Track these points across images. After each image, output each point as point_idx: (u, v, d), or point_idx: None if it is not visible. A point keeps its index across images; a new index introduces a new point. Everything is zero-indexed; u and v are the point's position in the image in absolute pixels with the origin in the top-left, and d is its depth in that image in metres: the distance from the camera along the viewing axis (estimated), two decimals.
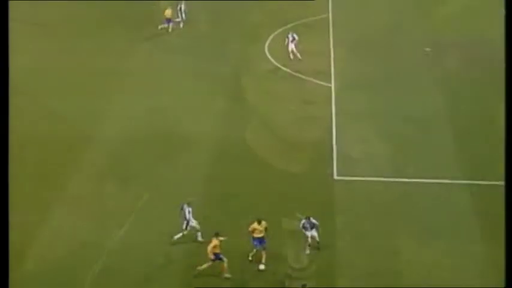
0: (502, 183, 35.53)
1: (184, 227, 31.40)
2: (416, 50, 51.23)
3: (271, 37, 53.19)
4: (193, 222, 31.48)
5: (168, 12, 52.93)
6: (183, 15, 54.19)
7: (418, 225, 33.12)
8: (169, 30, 53.14)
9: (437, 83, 46.89)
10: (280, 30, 53.95)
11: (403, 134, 40.87)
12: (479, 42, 52.48)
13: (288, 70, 48.22)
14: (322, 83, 46.64)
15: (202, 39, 52.72)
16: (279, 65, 49.04)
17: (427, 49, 51.46)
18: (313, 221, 30.96)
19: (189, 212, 31.39)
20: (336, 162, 37.87)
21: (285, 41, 49.19)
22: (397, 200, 34.93)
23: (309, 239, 30.80)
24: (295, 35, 48.97)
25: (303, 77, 47.33)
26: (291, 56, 48.75)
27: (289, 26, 54.36)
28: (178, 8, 54.20)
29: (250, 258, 30.35)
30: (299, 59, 48.61)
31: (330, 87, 46.01)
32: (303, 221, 30.98)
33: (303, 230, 30.89)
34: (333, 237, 31.87)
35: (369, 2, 60.10)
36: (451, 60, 49.98)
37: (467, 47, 51.78)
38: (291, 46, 48.72)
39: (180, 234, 31.43)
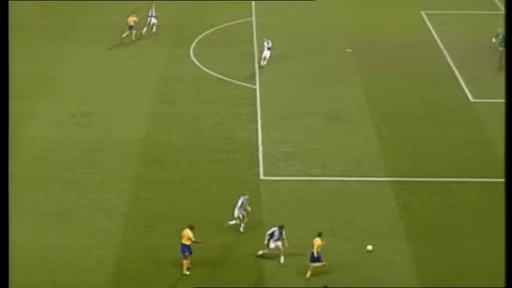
0: (425, 179, 36.77)
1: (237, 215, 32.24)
2: (339, 51, 51.83)
3: (196, 41, 53.25)
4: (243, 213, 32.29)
5: (131, 20, 52.48)
6: (154, 20, 53.50)
7: (343, 223, 33.47)
8: (133, 37, 52.62)
9: (359, 82, 47.56)
10: (203, 34, 54.05)
11: (327, 132, 41.29)
12: (398, 42, 53.40)
13: (214, 73, 48.34)
14: (247, 85, 46.87)
15: (130, 43, 52.42)
16: (204, 68, 49.13)
17: (349, 50, 52.13)
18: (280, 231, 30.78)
19: (242, 203, 32.21)
20: (262, 162, 38.14)
21: (211, 46, 49.23)
22: (322, 198, 35.26)
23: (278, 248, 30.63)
24: (270, 42, 48.91)
25: (229, 79, 47.49)
26: (262, 63, 48.70)
27: (212, 29, 54.60)
28: (150, 13, 53.58)
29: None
30: (265, 65, 48.61)
31: (255, 89, 46.29)
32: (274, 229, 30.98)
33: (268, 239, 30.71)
34: (254, 237, 32.13)
35: (292, 4, 60.48)
36: (372, 60, 50.77)
37: (386, 47, 52.66)
38: (266, 53, 48.73)
39: (233, 221, 32.20)
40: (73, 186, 35.63)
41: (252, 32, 55.08)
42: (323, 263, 29.96)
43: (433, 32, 55.53)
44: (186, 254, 29.78)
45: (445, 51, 52.16)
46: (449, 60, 50.71)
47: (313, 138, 40.56)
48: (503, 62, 48.41)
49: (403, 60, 50.83)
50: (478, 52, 52.02)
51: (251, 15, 58.07)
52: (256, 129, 41.39)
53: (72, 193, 34.99)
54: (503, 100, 45.63)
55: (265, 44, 49.01)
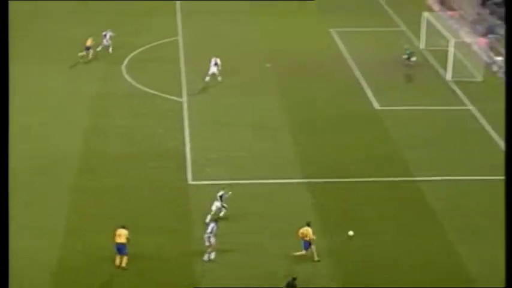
0: (338, 180, 37.18)
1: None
2: (259, 65, 52.10)
3: (127, 59, 52.86)
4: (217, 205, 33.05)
5: (89, 41, 52.00)
6: (109, 41, 52.97)
7: (267, 221, 33.66)
8: (89, 57, 51.87)
9: (277, 94, 47.86)
10: (134, 53, 53.73)
11: (249, 140, 41.45)
12: (311, 57, 53.91)
13: (145, 88, 48.05)
14: (175, 98, 46.75)
15: (69, 62, 51.78)
16: (136, 84, 48.82)
17: (268, 65, 52.45)
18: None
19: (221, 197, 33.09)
20: (190, 168, 38.08)
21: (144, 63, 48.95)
22: (247, 199, 35.33)
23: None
24: (218, 60, 48.70)
25: (158, 93, 47.26)
26: (207, 79, 48.38)
27: (142, 48, 54.31)
28: (104, 34, 53.10)
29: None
30: (219, 81, 48.50)
31: (183, 102, 46.21)
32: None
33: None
34: (185, 238, 32.08)
35: (216, 22, 60.66)
36: (288, 74, 51.16)
37: (301, 62, 53.11)
38: (213, 69, 48.43)
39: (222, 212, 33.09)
40: (15, 193, 34.95)
41: (178, 50, 55.01)
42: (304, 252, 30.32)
43: (341, 47, 56.22)
44: (124, 252, 29.55)
45: (352, 65, 52.84)
46: (357, 73, 51.40)
47: (237, 145, 40.69)
48: (411, 73, 49.84)
49: (315, 74, 51.32)
50: (382, 65, 52.86)
51: (177, 35, 58.00)
52: (184, 139, 41.33)
53: (14, 200, 34.26)
54: (405, 107, 46.91)
55: (213, 61, 48.85)
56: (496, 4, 64.50)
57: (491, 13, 63.95)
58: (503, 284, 22.84)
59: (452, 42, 51.23)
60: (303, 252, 30.68)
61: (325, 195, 35.92)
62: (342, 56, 54.64)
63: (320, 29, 60.08)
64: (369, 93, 48.05)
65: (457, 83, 49.67)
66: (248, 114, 44.69)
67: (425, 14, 56.03)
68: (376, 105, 46.28)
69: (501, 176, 36.42)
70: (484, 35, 59.17)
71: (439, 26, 53.87)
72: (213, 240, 30.41)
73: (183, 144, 40.73)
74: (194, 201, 35.00)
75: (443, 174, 37.82)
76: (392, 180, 37.37)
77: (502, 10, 62.58)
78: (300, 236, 30.77)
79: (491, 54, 54.15)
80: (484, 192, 36.38)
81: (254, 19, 61.94)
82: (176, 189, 36.03)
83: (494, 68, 52.71)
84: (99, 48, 52.73)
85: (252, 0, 66.15)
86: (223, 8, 64.00)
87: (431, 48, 54.09)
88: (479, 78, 50.65)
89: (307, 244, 30.64)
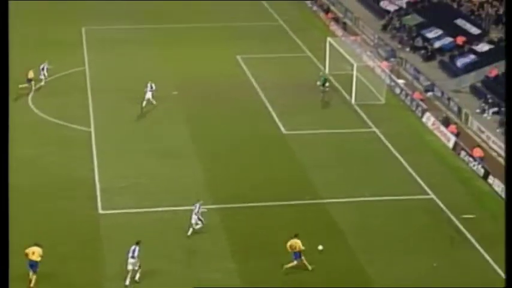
0: (247, 204, 37.46)
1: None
2: (166, 94, 52.13)
3: (33, 90, 52.12)
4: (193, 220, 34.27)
5: (30, 73, 51.60)
6: (45, 74, 52.75)
7: (176, 248, 33.63)
8: (32, 88, 51.46)
9: (185, 121, 47.98)
10: (39, 84, 53.02)
11: (158, 167, 41.37)
12: (218, 83, 54.29)
13: (51, 118, 47.50)
14: (82, 128, 46.34)
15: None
16: (42, 114, 48.24)
17: (175, 92, 52.57)
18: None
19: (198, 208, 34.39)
20: (99, 197, 37.77)
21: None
22: (156, 226, 35.26)
23: None
24: (153, 85, 49.04)
25: (66, 123, 46.75)
26: (144, 104, 48.61)
27: (48, 79, 53.61)
28: (41, 67, 52.66)
29: None
30: (154, 105, 48.92)
31: (90, 131, 45.86)
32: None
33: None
34: (96, 265, 31.86)
35: (123, 51, 60.55)
36: (195, 101, 51.33)
37: (208, 88, 53.41)
38: (148, 94, 48.77)
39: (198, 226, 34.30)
40: None
41: (85, 80, 54.60)
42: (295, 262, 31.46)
43: (247, 73, 56.85)
44: (35, 269, 29.74)
45: (259, 91, 53.47)
46: (264, 98, 52.00)
47: (146, 173, 40.53)
48: (326, 99, 50.62)
49: (223, 100, 51.69)
50: (288, 90, 53.67)
51: (84, 65, 57.59)
52: (93, 168, 40.98)
53: None
54: (311, 131, 47.58)
55: (148, 86, 49.06)
56: (396, 29, 66.51)
57: (392, 37, 65.89)
58: None
59: (355, 66, 52.49)
60: (294, 263, 31.52)
61: (235, 220, 36.08)
62: (249, 82, 55.22)
63: (227, 56, 60.63)
64: (276, 118, 48.66)
65: (361, 106, 50.81)
66: (156, 142, 44.64)
67: (329, 40, 57.25)
68: (283, 130, 46.89)
69: (407, 195, 37.52)
70: (386, 59, 60.85)
71: (342, 51, 55.12)
72: (134, 266, 30.38)
73: (93, 173, 40.36)
74: (104, 230, 34.71)
75: (350, 196, 38.51)
76: (300, 203, 37.83)
77: (401, 35, 64.57)
78: (289, 249, 31.55)
79: (393, 77, 55.67)
80: (389, 212, 37.21)
81: (161, 48, 62.07)
82: (86, 219, 35.67)
83: (397, 90, 54.16)
84: (42, 83, 52.57)
85: (159, 27, 66.35)
86: (130, 37, 63.96)
87: (336, 72, 55.26)
88: (382, 101, 51.97)
89: (298, 255, 31.52)
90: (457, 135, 46.43)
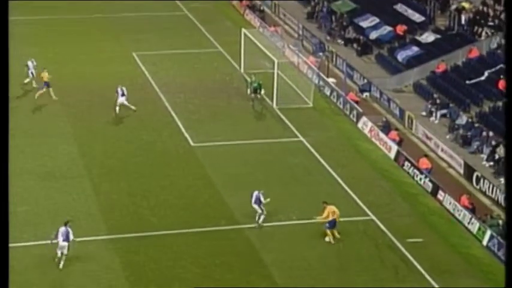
0: (149, 233, 37.19)
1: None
2: (45, 100, 51.51)
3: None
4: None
5: (44, 75, 51.84)
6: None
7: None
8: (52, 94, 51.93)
9: (71, 135, 47.52)
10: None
11: (38, 191, 40.83)
12: (110, 86, 53.72)
13: None
14: None
15: None
16: None
17: (55, 98, 51.87)
18: None
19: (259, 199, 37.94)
20: None
21: None
22: (40, 263, 34.78)
23: None
24: (124, 89, 49.75)
25: None
26: (117, 110, 49.34)
27: None
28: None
29: None
30: (134, 110, 49.75)
31: None
32: None
33: None
34: None
35: None
36: (83, 110, 50.96)
37: (98, 94, 52.99)
38: (121, 99, 49.51)
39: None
40: None
41: None
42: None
43: (146, 73, 56.64)
44: None
45: (161, 94, 53.33)
46: (167, 104, 51.87)
47: (23, 199, 39.78)
48: (257, 108, 50.61)
49: (123, 109, 51.24)
50: (195, 93, 53.68)
51: None
52: None
53: None
54: (224, 142, 47.65)
55: (119, 91, 49.69)
56: (324, 18, 67.23)
57: (319, 27, 66.59)
58: None
59: (276, 63, 52.82)
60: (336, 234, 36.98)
61: (136, 252, 35.76)
62: (148, 84, 55.18)
63: (121, 53, 60.44)
64: (182, 127, 48.57)
65: (284, 110, 51.16)
66: (37, 161, 43.97)
67: (244, 31, 57.51)
68: (191, 141, 46.83)
69: (341, 217, 37.79)
70: (313, 53, 61.41)
71: (260, 45, 55.44)
72: None
73: None
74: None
75: (273, 219, 38.59)
76: (214, 230, 37.77)
77: (330, 24, 65.36)
78: (331, 216, 36.71)
79: (322, 75, 56.17)
80: (320, 238, 37.39)
81: (39, 44, 61.36)
82: None
83: (326, 91, 54.70)
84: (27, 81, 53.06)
85: (36, 19, 65.52)
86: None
87: (253, 71, 55.54)
88: (310, 104, 52.43)
89: (334, 223, 36.80)
90: (399, 143, 47.09)
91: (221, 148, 46.35)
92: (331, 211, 36.89)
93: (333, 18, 66.31)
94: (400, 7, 63.46)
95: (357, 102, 52.63)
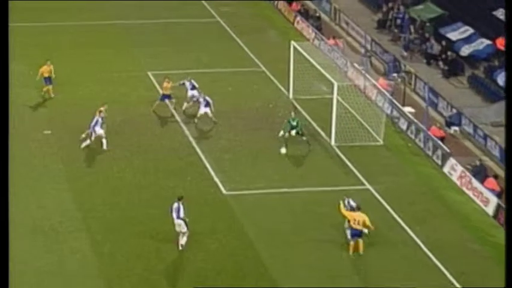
0: None
1: None
2: (35, 133, 52.23)
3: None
4: None
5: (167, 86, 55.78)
6: None
7: None
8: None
9: (63, 177, 47.87)
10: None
11: (30, 249, 41.22)
12: (127, 112, 54.29)
13: None
14: None
15: None
16: None
17: (47, 131, 52.52)
18: None
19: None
20: None
21: None
22: None
23: None
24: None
25: None
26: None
27: None
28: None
29: None
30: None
31: None
32: None
33: None
34: None
35: None
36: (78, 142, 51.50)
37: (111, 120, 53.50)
38: (203, 110, 53.70)
39: None
40: None
41: None
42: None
43: (165, 100, 57.00)
44: None
45: (183, 126, 53.86)
46: (191, 139, 52.22)
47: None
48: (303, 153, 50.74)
49: (126, 142, 51.67)
50: (228, 126, 53.96)
51: None
52: None
53: None
54: (264, 191, 47.62)
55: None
56: (400, 27, 67.34)
57: (394, 40, 66.70)
58: None
59: (336, 86, 52.86)
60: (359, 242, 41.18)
61: None
62: (167, 113, 55.68)
63: (134, 72, 61.31)
64: (211, 171, 48.88)
65: (345, 149, 51.33)
66: (25, 211, 44.48)
67: (294, 45, 57.72)
68: (224, 189, 46.94)
69: None
70: (384, 74, 61.45)
71: (314, 62, 55.55)
72: None
73: None
74: None
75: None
76: None
77: (408, 36, 65.39)
78: (362, 225, 40.93)
79: (396, 102, 56.10)
80: None
81: (27, 57, 62.10)
82: None
83: (402, 124, 54.66)
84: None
85: (26, 26, 66.36)
86: None
87: (305, 97, 55.67)
88: (380, 141, 52.54)
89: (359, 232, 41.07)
90: (499, 194, 46.80)
91: (262, 198, 46.43)
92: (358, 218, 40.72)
93: (412, 27, 66.43)
94: (501, 13, 62.81)
95: (442, 139, 52.57)
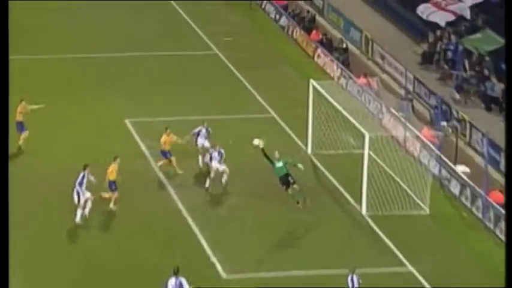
0: None
1: None
2: None
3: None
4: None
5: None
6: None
7: None
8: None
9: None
10: None
11: None
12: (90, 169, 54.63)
13: None
14: None
15: None
16: None
17: None
18: None
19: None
20: None
21: None
22: None
23: None
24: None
25: None
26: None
27: None
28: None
29: None
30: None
31: None
32: None
33: None
34: None
35: None
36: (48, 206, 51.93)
37: (69, 182, 53.69)
38: (216, 165, 54.50)
39: None
40: None
41: None
42: None
43: (147, 154, 57.33)
44: None
45: (171, 191, 54.27)
46: (181, 206, 52.32)
47: None
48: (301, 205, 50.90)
49: (99, 210, 51.79)
50: (231, 190, 54.08)
51: None
52: None
53: None
54: (272, 273, 47.92)
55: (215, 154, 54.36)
56: (451, 62, 67.39)
57: (443, 79, 66.82)
58: None
59: (367, 138, 52.93)
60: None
61: None
62: (150, 174, 56.02)
63: (109, 120, 61.74)
64: (209, 250, 48.90)
65: (380, 219, 51.37)
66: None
67: (314, 84, 57.73)
68: (223, 272, 46.90)
69: None
70: (431, 123, 61.51)
71: (340, 108, 55.66)
72: None
73: None
74: None
75: None
76: None
77: (462, 73, 65.53)
78: None
79: (446, 160, 56.14)
80: None
81: None
82: None
83: (453, 188, 54.64)
84: None
85: None
86: None
87: (328, 152, 55.88)
88: (425, 210, 52.43)
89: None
90: None
91: (271, 283, 46.37)
92: None
93: (467, 62, 66.57)
94: None
95: None
